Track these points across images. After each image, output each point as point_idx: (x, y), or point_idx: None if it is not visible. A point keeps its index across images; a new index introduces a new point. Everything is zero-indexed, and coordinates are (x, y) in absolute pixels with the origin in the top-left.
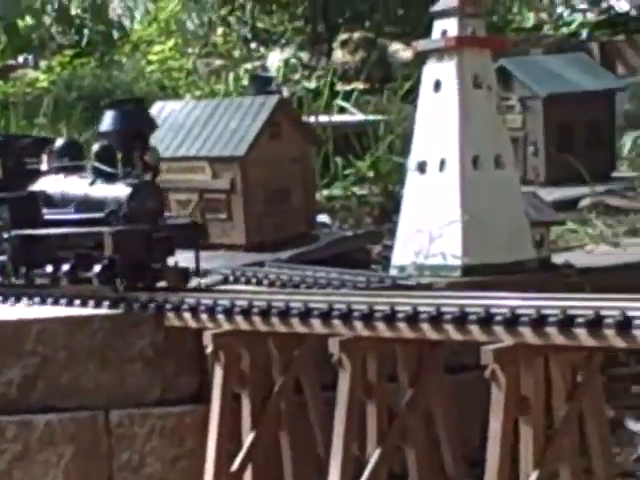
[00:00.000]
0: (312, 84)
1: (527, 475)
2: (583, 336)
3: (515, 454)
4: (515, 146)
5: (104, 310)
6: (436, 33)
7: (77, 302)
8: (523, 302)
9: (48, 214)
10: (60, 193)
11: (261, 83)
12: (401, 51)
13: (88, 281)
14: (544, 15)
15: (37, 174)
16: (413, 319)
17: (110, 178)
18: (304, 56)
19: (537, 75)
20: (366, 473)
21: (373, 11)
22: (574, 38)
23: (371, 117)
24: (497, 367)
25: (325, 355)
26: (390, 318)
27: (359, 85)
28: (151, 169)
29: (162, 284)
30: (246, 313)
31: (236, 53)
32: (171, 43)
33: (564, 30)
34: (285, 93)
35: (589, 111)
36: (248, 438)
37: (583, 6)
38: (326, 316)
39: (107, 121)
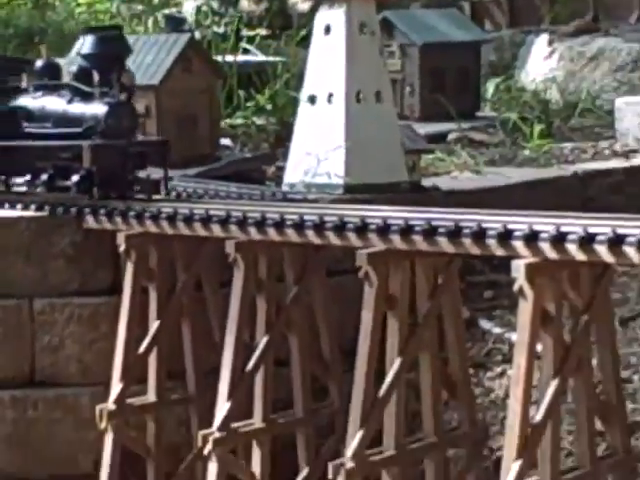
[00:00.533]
0: (221, 29)
1: (392, 361)
2: (444, 243)
3: (383, 346)
4: (394, 86)
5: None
6: None
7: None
8: (394, 214)
9: (28, 128)
10: (39, 109)
11: (175, 23)
12: (300, 3)
13: (66, 189)
14: None
15: (17, 91)
16: (299, 226)
17: (87, 97)
18: (214, 4)
19: (415, 26)
20: (255, 357)
21: None
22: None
23: (271, 58)
24: (370, 268)
25: (223, 256)
26: (280, 225)
27: (262, 31)
28: (127, 90)
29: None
30: (155, 218)
31: (155, 0)
32: None
33: None
34: (197, 36)
35: (458, 59)
36: (153, 325)
37: None
38: (224, 222)
39: (87, 45)
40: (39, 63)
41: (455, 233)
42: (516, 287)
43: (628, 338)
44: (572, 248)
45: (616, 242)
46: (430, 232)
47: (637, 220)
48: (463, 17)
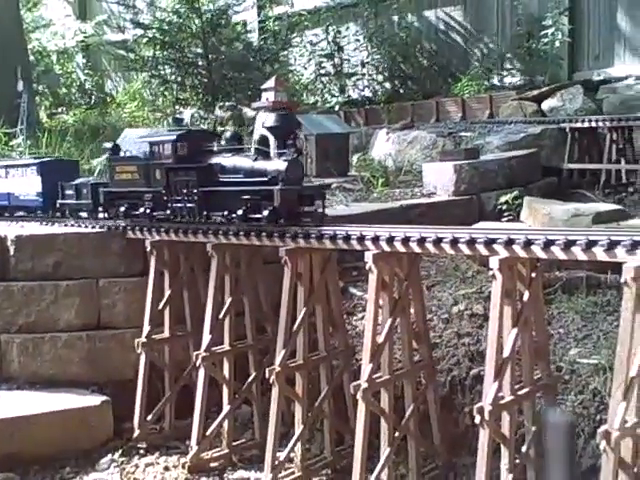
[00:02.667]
0: (205, 126)
1: (300, 310)
2: (328, 243)
3: (295, 303)
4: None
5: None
6: (263, 99)
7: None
8: (299, 229)
9: (222, 178)
10: (231, 165)
11: (179, 122)
12: (249, 112)
13: (257, 220)
14: (319, 98)
15: (212, 153)
16: (249, 235)
17: (267, 156)
18: (202, 112)
19: (313, 123)
20: (224, 310)
21: (236, 92)
22: (332, 108)
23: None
24: (287, 258)
25: (206, 253)
26: (245, 235)
27: (228, 127)
28: (298, 151)
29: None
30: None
31: (168, 110)
32: (135, 104)
33: (327, 105)
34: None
35: (337, 142)
36: (166, 293)
37: (336, 94)
38: (206, 232)
39: (270, 120)
40: (228, 134)
41: (334, 237)
42: (367, 267)
43: (430, 297)
44: (398, 244)
45: (422, 241)
46: (320, 237)
47: (423, 229)
48: (339, 119)
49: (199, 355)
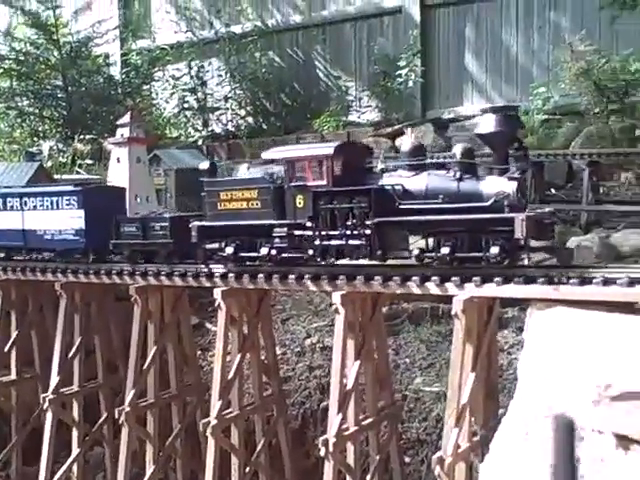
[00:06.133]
0: (64, 159)
1: (152, 348)
2: (178, 281)
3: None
4: (160, 193)
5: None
6: (118, 134)
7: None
8: (153, 267)
9: (405, 204)
10: (421, 187)
11: (31, 156)
12: (108, 145)
13: (474, 261)
14: (182, 131)
15: (375, 172)
16: (99, 274)
17: (474, 173)
18: (60, 145)
19: (172, 158)
20: (73, 350)
21: (97, 125)
22: (195, 142)
23: (91, 176)
24: (137, 296)
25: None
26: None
27: (88, 161)
28: (526, 165)
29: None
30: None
31: (26, 142)
32: None
33: (190, 139)
34: (49, 163)
35: (196, 177)
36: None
37: (199, 128)
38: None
39: (487, 124)
40: (406, 146)
41: (184, 275)
42: (216, 303)
43: (285, 330)
44: (246, 281)
45: (269, 276)
46: (170, 274)
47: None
48: (199, 153)
49: (46, 397)
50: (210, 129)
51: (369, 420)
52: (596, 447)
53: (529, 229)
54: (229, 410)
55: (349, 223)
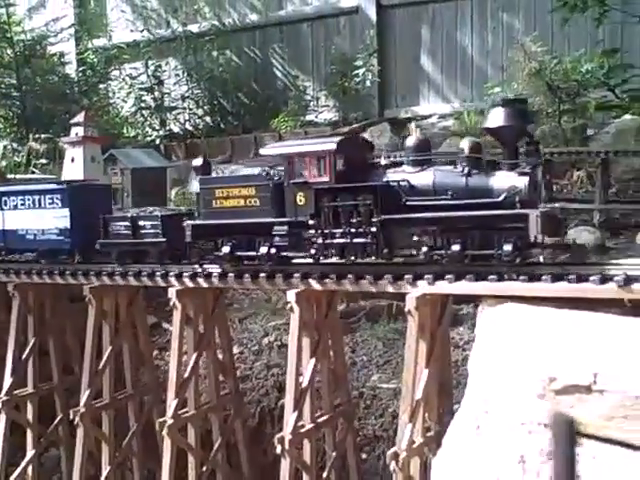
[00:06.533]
0: (18, 159)
1: (107, 347)
2: (132, 280)
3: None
4: (117, 192)
5: None
6: (72, 133)
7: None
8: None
9: (412, 201)
10: (428, 183)
11: None
12: (64, 144)
13: (485, 259)
14: (140, 131)
15: (379, 167)
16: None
17: (480, 168)
18: (14, 144)
19: (128, 158)
20: (26, 351)
21: (52, 124)
22: (153, 142)
23: (46, 176)
24: (91, 297)
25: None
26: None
27: (43, 160)
28: (531, 161)
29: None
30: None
31: None
32: None
33: (148, 139)
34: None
35: (153, 176)
36: None
37: (157, 127)
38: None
39: (496, 118)
40: (411, 141)
41: (138, 274)
42: (171, 303)
43: (242, 329)
44: (201, 280)
45: (224, 275)
46: (124, 274)
47: None
48: (156, 153)
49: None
50: (168, 128)
51: (325, 417)
52: (542, 441)
53: (544, 225)
54: (185, 409)
55: (353, 221)
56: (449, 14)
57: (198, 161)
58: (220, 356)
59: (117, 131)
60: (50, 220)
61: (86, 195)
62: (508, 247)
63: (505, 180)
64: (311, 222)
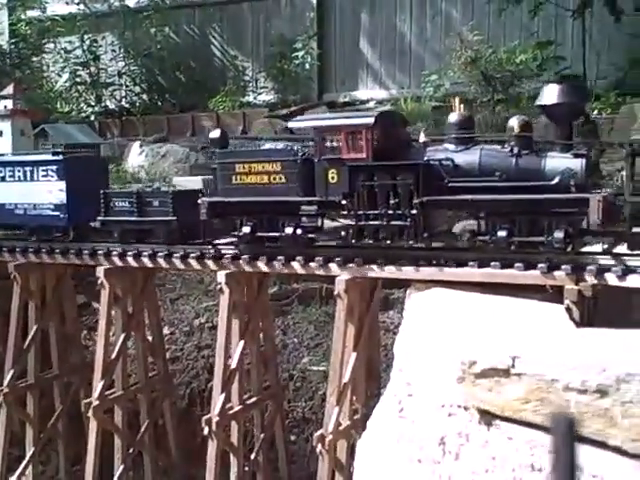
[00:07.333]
0: None
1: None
2: (60, 259)
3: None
4: None
5: None
6: (1, 106)
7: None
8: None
9: (455, 182)
10: (472, 162)
11: None
12: None
13: (533, 246)
14: (74, 107)
15: (418, 146)
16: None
17: (531, 149)
18: None
19: (61, 133)
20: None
21: None
22: (88, 118)
23: None
24: (16, 274)
25: None
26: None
27: None
28: (588, 142)
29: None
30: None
31: None
32: None
33: (82, 115)
34: None
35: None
36: None
37: (92, 104)
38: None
39: (549, 94)
40: (453, 117)
41: (66, 252)
42: (99, 282)
43: (174, 310)
44: (130, 259)
45: (154, 255)
46: (50, 251)
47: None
48: (89, 129)
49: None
50: (103, 105)
51: (254, 399)
52: (461, 423)
53: (605, 212)
54: (113, 390)
55: (391, 202)
56: (389, 1)
57: (215, 133)
58: (150, 337)
59: (51, 106)
60: (43, 194)
61: (84, 168)
62: (560, 234)
63: (559, 161)
64: (344, 202)
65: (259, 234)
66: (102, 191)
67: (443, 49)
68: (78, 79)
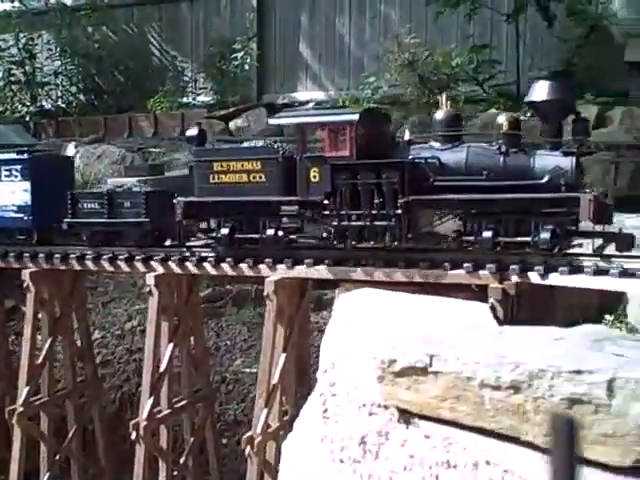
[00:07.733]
0: None
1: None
2: None
3: None
4: None
5: None
6: None
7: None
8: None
9: (441, 181)
10: (459, 161)
11: None
12: None
13: (519, 246)
14: (8, 106)
15: (401, 144)
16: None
17: (519, 147)
18: None
19: None
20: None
21: None
22: (23, 118)
23: None
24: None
25: None
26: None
27: None
28: (579, 139)
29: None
30: None
31: None
32: None
33: (17, 115)
34: None
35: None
36: None
37: (27, 103)
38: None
39: (539, 91)
40: (439, 115)
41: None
42: (24, 285)
43: (106, 313)
44: (57, 262)
45: (82, 258)
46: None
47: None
48: (22, 130)
49: None
50: (39, 105)
51: (184, 402)
52: (382, 422)
53: (596, 211)
54: (39, 396)
55: (375, 201)
56: (328, 2)
57: (193, 131)
58: (78, 341)
59: None
60: (6, 195)
61: (49, 167)
62: (546, 235)
63: (548, 160)
64: (326, 201)
65: (238, 235)
66: (69, 192)
67: (381, 51)
68: (12, 78)
